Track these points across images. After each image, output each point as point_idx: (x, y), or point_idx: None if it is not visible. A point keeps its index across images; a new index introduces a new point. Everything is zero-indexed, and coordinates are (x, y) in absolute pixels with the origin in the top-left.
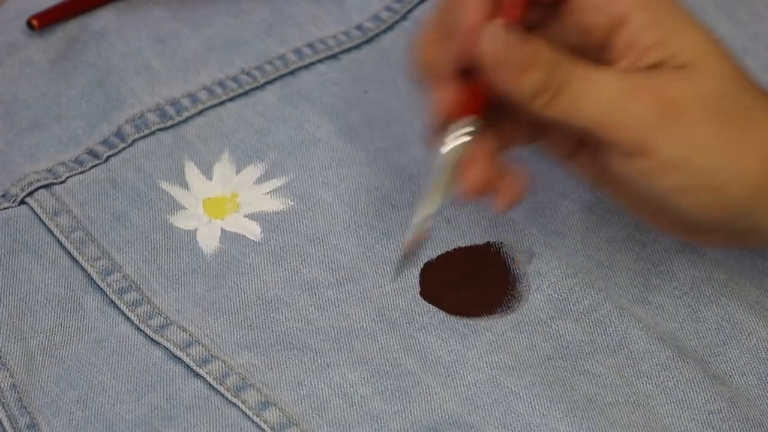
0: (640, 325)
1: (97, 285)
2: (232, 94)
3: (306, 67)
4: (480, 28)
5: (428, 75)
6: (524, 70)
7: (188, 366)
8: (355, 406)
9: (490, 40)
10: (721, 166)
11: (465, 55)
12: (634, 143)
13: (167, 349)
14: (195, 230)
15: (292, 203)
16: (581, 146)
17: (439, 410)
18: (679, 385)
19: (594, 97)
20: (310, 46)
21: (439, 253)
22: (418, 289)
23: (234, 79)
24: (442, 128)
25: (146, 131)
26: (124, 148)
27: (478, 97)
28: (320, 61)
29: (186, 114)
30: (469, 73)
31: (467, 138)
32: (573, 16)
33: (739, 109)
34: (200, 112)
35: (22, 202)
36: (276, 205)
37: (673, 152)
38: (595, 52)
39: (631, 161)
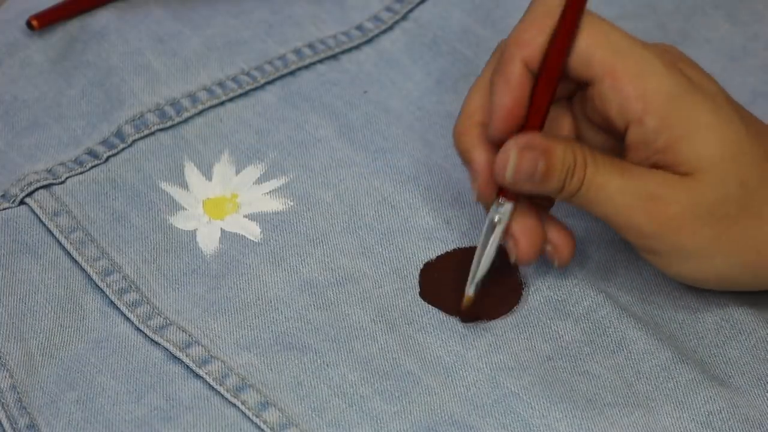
0: (640, 325)
1: (97, 285)
2: (231, 95)
3: (306, 67)
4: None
5: (467, 160)
6: (540, 183)
7: (188, 366)
8: (354, 407)
9: (505, 162)
10: (723, 262)
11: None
12: (638, 245)
13: (167, 349)
14: (195, 231)
15: (292, 203)
16: None
17: (438, 410)
18: (679, 386)
19: (603, 203)
20: (310, 46)
21: (439, 254)
22: (418, 290)
23: (234, 79)
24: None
25: (146, 131)
26: (123, 149)
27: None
28: (320, 61)
29: (186, 114)
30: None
31: (506, 215)
32: (595, 101)
33: (743, 209)
34: (200, 113)
35: (22, 202)
36: (275, 205)
37: (674, 255)
38: (615, 134)
39: (640, 252)
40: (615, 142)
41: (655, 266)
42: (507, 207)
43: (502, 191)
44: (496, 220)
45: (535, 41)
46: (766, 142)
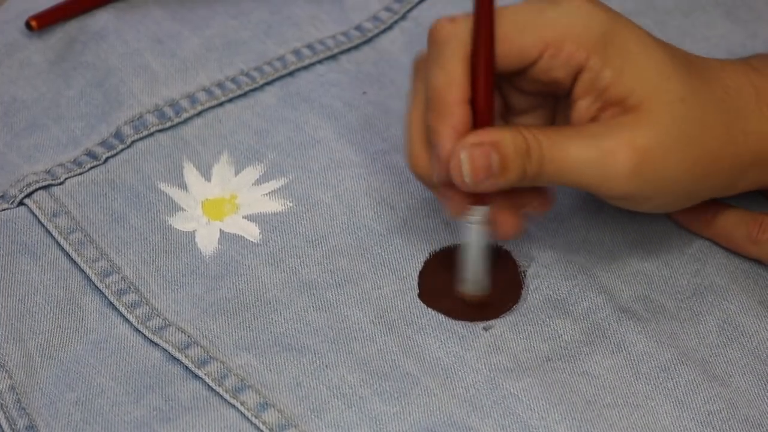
0: (639, 328)
1: (96, 286)
2: (231, 96)
3: (305, 68)
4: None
5: (430, 185)
6: (501, 175)
7: (187, 367)
8: (353, 408)
9: (458, 165)
10: (693, 184)
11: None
12: (616, 195)
13: (166, 350)
14: (194, 232)
15: (291, 204)
16: None
17: (437, 412)
18: (679, 386)
19: (571, 170)
20: (309, 46)
21: (436, 251)
22: (417, 292)
23: (233, 80)
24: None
25: (145, 132)
26: (122, 150)
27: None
28: (319, 61)
29: (185, 115)
30: None
31: (483, 219)
32: (539, 76)
33: (691, 124)
34: (199, 114)
35: (21, 203)
36: (275, 206)
37: (651, 190)
38: (559, 97)
39: (616, 201)
40: (546, 103)
41: (628, 208)
42: (482, 210)
43: (474, 199)
44: (475, 224)
45: (457, 71)
46: (679, 53)
